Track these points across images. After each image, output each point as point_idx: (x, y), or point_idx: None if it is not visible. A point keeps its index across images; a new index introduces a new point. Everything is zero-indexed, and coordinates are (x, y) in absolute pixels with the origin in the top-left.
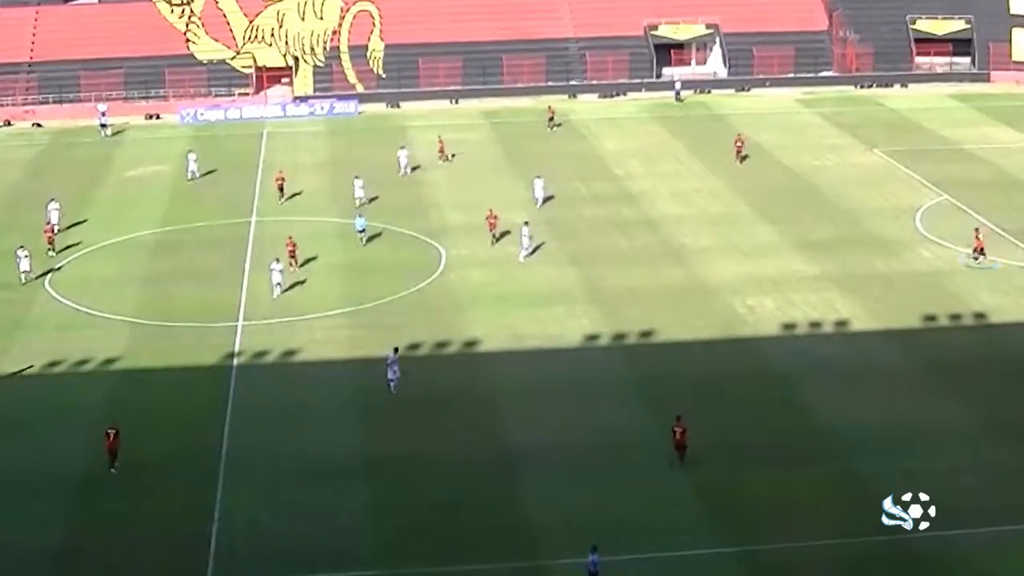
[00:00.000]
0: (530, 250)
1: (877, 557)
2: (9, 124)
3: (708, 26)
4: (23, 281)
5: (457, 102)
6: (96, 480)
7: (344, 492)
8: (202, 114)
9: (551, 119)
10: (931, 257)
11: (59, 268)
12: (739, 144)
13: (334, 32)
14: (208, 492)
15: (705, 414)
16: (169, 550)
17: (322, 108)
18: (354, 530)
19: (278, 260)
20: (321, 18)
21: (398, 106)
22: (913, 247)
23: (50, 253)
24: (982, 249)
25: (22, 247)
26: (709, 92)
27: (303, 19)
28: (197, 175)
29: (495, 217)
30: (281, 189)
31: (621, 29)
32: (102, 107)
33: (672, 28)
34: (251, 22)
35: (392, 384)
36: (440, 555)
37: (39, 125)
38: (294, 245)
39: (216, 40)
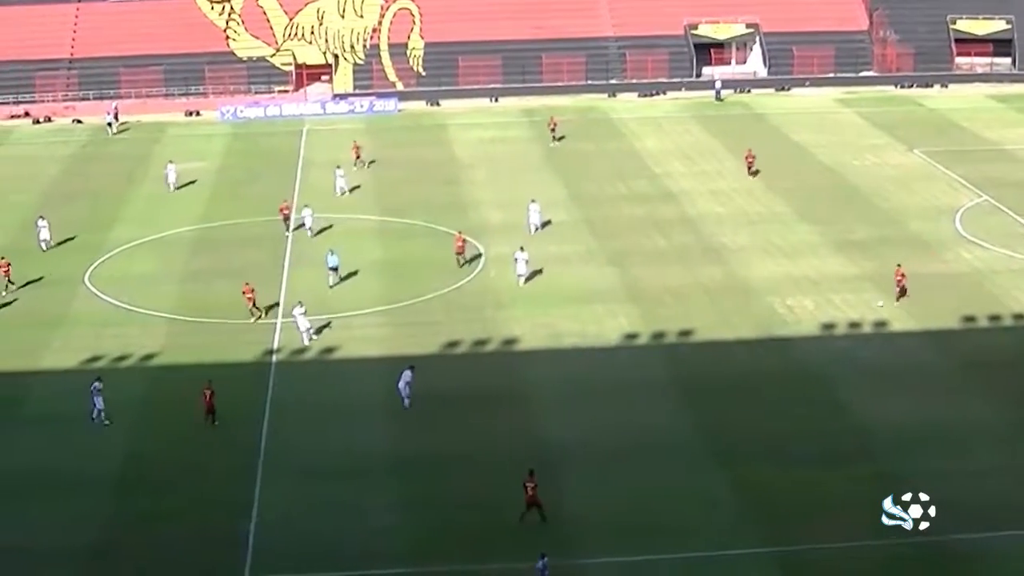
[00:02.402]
0: (527, 275)
1: (912, 558)
2: (49, 120)
3: (748, 25)
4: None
5: (497, 100)
6: (133, 478)
7: (380, 490)
8: (242, 111)
9: (553, 130)
10: (970, 258)
11: (10, 303)
12: (750, 159)
13: (374, 30)
14: (246, 489)
15: (743, 414)
16: (206, 547)
17: (362, 106)
18: (389, 528)
19: (301, 304)
20: (361, 16)
21: (438, 104)
22: (952, 247)
23: (9, 286)
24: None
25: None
26: (749, 91)
27: (343, 17)
28: (175, 186)
29: (463, 241)
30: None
31: (661, 28)
32: (114, 104)
33: (712, 27)
34: (291, 19)
35: (406, 400)
36: (474, 554)
37: (79, 121)
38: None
39: (256, 37)
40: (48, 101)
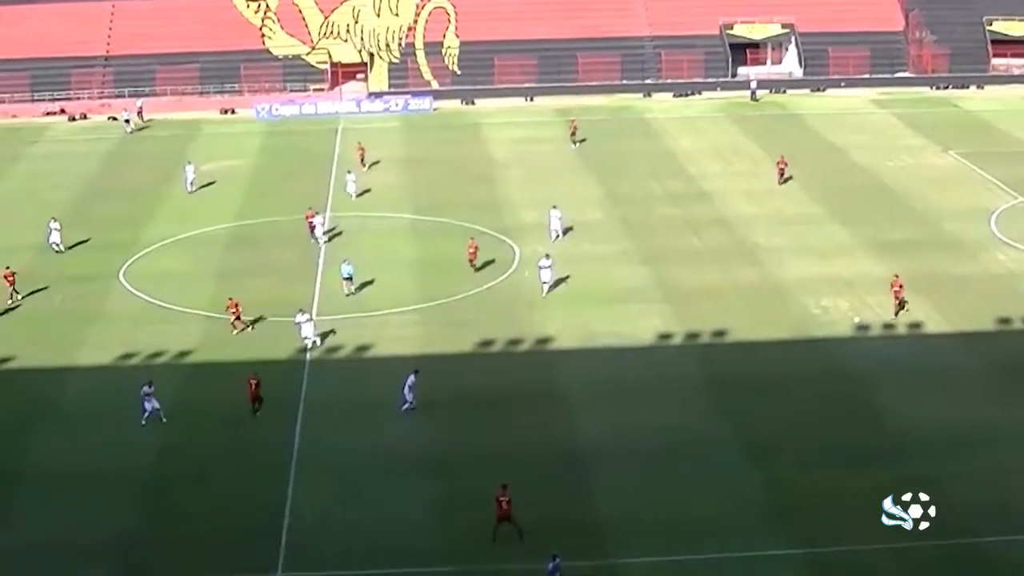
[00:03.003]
0: (551, 283)
1: (946, 561)
2: (85, 117)
3: (784, 26)
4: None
5: (532, 99)
6: (166, 473)
7: (414, 488)
8: (277, 109)
9: (573, 134)
10: (1005, 260)
11: (15, 307)
12: (782, 166)
13: (409, 28)
14: (280, 486)
15: (776, 414)
16: (240, 544)
17: (397, 104)
18: (423, 526)
19: (303, 311)
20: (396, 14)
21: (473, 103)
22: (988, 249)
23: (15, 295)
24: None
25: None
26: (784, 92)
27: (378, 15)
28: (194, 188)
29: (476, 247)
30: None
31: (696, 28)
32: (139, 102)
33: (748, 27)
34: (326, 18)
35: (408, 406)
36: (508, 552)
37: (115, 119)
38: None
39: (291, 35)
40: (84, 98)
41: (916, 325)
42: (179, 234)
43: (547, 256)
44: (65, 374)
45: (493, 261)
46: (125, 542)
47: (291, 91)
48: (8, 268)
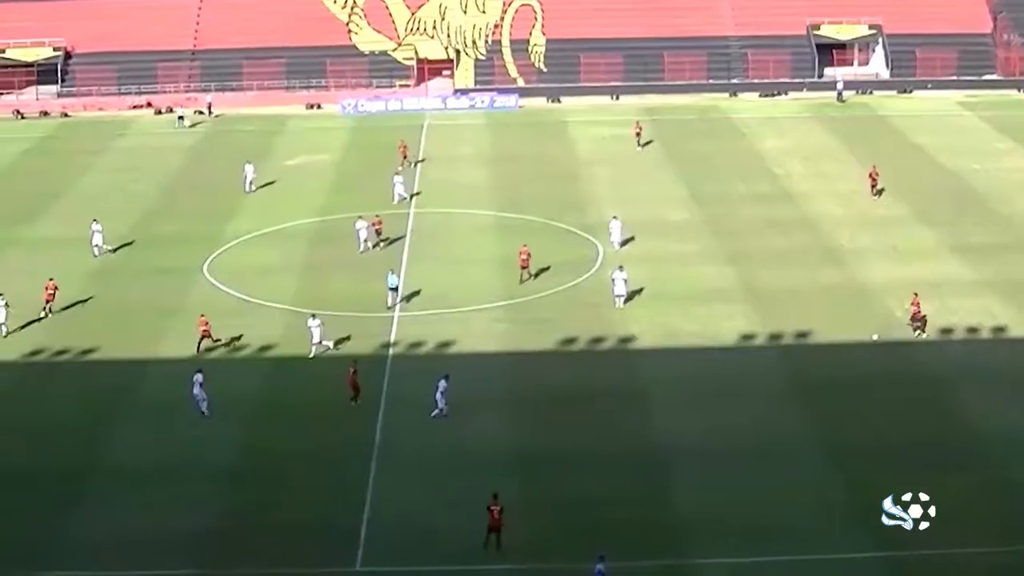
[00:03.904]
0: (626, 295)
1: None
2: (171, 111)
3: (871, 26)
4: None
5: (618, 98)
6: (247, 467)
7: (493, 486)
8: (363, 105)
9: (638, 135)
10: None
11: (42, 318)
12: (874, 176)
13: (496, 26)
14: (359, 482)
15: (858, 416)
16: (318, 539)
17: (482, 101)
18: (503, 524)
19: (315, 316)
20: (483, 12)
21: (558, 101)
22: None
23: (47, 310)
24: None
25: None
26: (871, 93)
27: (465, 12)
28: (254, 187)
29: (528, 255)
30: (404, 157)
31: (783, 28)
32: (209, 97)
33: (835, 28)
34: (413, 14)
35: (437, 412)
36: (587, 551)
37: (202, 112)
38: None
39: (378, 31)
40: (170, 92)
41: (1000, 329)
42: (263, 228)
43: (620, 268)
44: (146, 366)
45: (575, 259)
46: (204, 535)
47: (377, 87)
48: (52, 280)
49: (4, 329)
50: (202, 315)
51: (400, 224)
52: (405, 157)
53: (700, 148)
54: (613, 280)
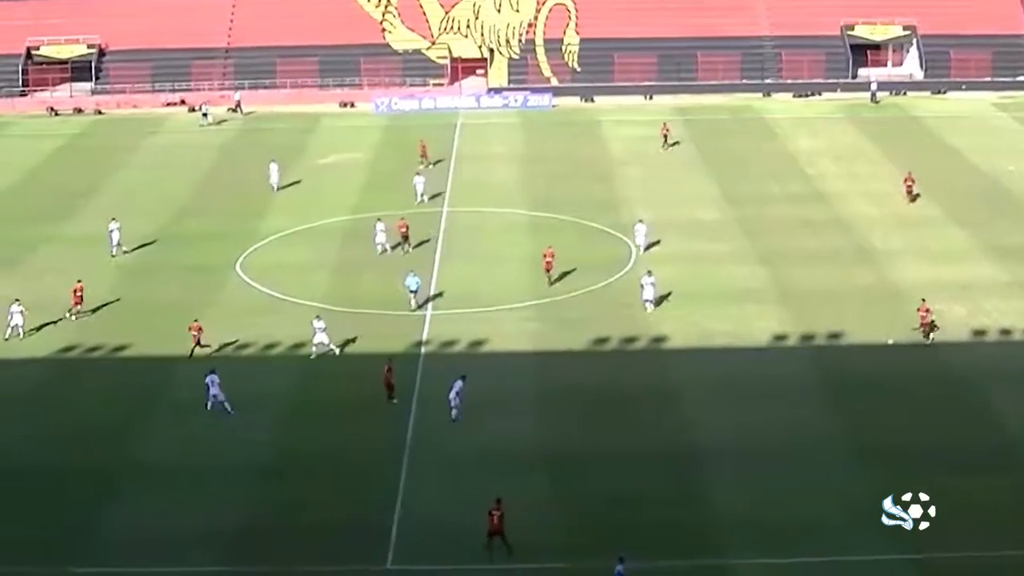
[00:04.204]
0: (655, 300)
1: None
2: (200, 109)
3: (905, 27)
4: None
5: (651, 98)
6: (278, 465)
7: (525, 484)
8: (396, 103)
9: (665, 137)
10: None
11: (76, 316)
12: (909, 183)
13: (530, 25)
14: (391, 480)
15: (890, 417)
16: (350, 536)
17: (516, 100)
18: (533, 523)
19: (319, 317)
20: (517, 11)
21: (592, 100)
22: None
23: (76, 311)
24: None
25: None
26: (905, 94)
27: (499, 11)
28: (276, 187)
29: (552, 256)
30: (424, 156)
31: (817, 28)
32: (237, 95)
33: (869, 28)
34: (447, 13)
35: (454, 411)
36: (618, 550)
37: (233, 110)
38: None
39: (412, 30)
40: (204, 89)
41: None
42: (296, 226)
43: (649, 273)
44: (178, 364)
45: (607, 259)
46: (234, 533)
47: (410, 86)
48: (80, 282)
49: (20, 332)
50: (195, 320)
51: (429, 223)
52: (425, 156)
53: (733, 148)
54: (642, 286)
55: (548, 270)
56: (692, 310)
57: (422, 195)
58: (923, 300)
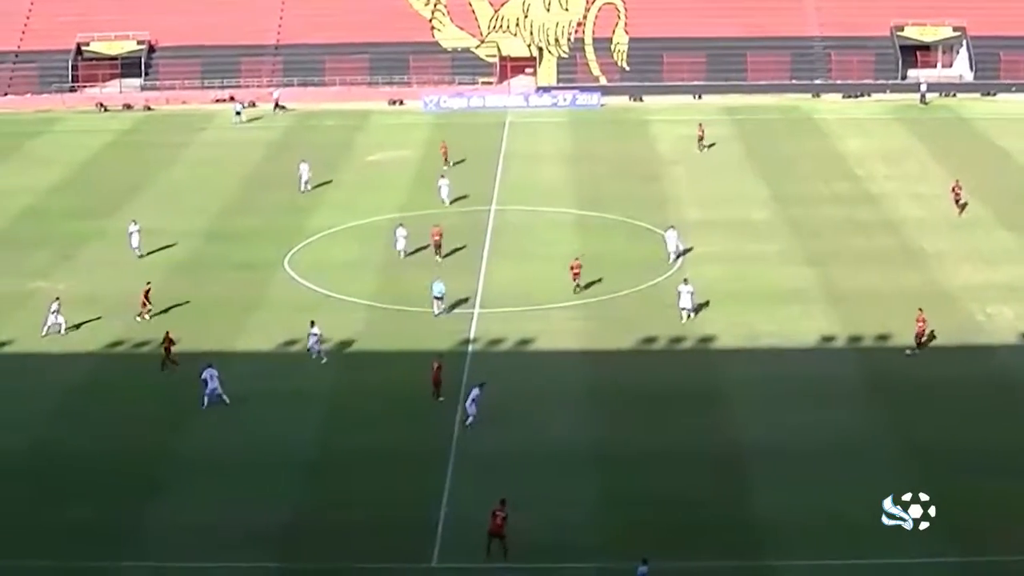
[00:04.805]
0: (693, 308)
1: None
2: (254, 105)
3: (955, 28)
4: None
5: (700, 97)
6: (324, 462)
7: (572, 484)
8: (445, 101)
9: (701, 139)
10: None
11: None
12: (957, 191)
13: (579, 24)
14: (437, 478)
15: (938, 420)
16: (395, 534)
17: (565, 99)
18: (580, 523)
19: (313, 323)
20: (566, 9)
21: (640, 100)
22: None
23: (145, 315)
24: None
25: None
26: (954, 96)
27: (548, 10)
28: (309, 187)
29: (580, 265)
30: (445, 158)
31: (867, 29)
32: (276, 92)
33: (918, 30)
34: (496, 11)
35: (471, 420)
36: (664, 551)
37: (283, 107)
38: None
39: (461, 28)
40: (253, 86)
41: None
42: (345, 223)
43: (686, 281)
44: (226, 360)
45: (655, 258)
46: (281, 528)
47: (459, 84)
48: (148, 284)
49: (62, 329)
50: (167, 332)
51: (481, 220)
52: (446, 158)
53: (782, 148)
54: (679, 293)
55: (575, 279)
56: (739, 310)
57: (446, 198)
58: (920, 310)
